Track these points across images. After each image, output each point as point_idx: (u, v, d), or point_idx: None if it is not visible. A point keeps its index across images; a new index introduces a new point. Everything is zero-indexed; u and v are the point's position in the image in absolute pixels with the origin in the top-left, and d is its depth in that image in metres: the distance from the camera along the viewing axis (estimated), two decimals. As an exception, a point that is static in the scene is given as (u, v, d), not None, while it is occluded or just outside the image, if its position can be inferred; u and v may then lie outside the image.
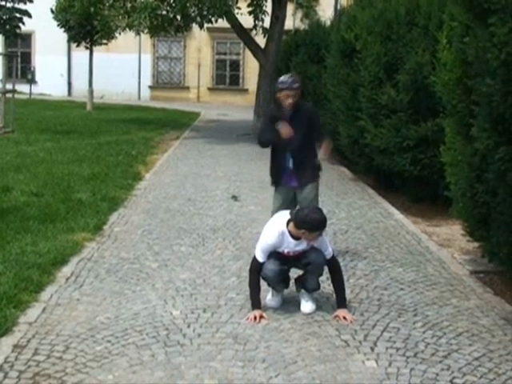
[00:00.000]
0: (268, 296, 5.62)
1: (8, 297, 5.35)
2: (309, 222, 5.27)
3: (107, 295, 5.70)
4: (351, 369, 4.45)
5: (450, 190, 6.99)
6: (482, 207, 6.13)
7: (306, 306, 5.52)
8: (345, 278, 6.29)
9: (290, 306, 5.55)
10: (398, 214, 9.36)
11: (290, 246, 5.40)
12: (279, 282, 5.57)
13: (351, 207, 9.78)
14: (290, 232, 5.36)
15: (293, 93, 6.37)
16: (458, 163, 6.55)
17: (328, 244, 5.54)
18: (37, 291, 5.65)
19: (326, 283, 6.16)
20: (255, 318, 5.23)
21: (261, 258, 5.41)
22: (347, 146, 12.51)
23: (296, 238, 5.37)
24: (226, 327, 5.09)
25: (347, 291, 5.90)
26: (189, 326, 5.08)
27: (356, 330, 5.09)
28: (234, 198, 9.99)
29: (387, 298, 5.85)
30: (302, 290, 5.62)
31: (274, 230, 5.41)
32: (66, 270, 6.30)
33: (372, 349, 4.77)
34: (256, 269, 5.45)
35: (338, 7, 19.29)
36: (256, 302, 5.39)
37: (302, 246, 5.43)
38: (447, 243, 7.92)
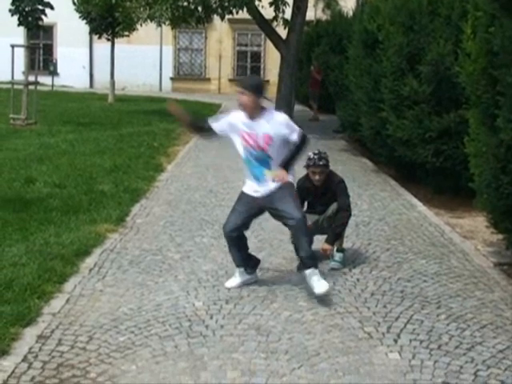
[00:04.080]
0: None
1: (32, 287, 5.39)
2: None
3: (130, 286, 5.72)
4: (374, 361, 4.43)
5: (473, 182, 6.94)
6: (506, 199, 6.08)
7: (319, 285, 5.48)
8: (367, 269, 6.33)
9: (311, 298, 5.53)
10: (420, 206, 9.30)
11: (246, 124, 5.59)
12: (236, 245, 5.81)
13: (373, 199, 9.74)
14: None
15: (319, 170, 6.35)
16: (482, 154, 6.49)
17: (290, 124, 5.62)
18: (60, 282, 5.68)
19: (348, 275, 6.16)
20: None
21: (212, 119, 5.86)
22: (369, 137, 12.46)
23: (250, 116, 5.57)
24: (249, 318, 5.09)
25: (370, 283, 5.90)
26: (211, 318, 5.09)
27: (379, 322, 5.07)
28: (256, 189, 9.96)
29: (410, 289, 5.82)
30: (308, 271, 5.58)
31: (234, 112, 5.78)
32: (90, 261, 6.33)
33: (395, 341, 4.75)
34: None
35: (360, -3, 19.18)
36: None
37: (260, 126, 5.54)
38: (471, 235, 7.86)
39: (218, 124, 5.81)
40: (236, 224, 5.74)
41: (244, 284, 5.80)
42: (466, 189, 7.77)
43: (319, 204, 6.55)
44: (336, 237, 6.39)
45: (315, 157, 6.36)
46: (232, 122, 5.72)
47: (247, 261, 5.91)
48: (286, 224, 5.74)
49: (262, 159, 5.62)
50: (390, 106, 10.49)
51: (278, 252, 6.85)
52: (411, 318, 5.16)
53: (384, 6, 11.17)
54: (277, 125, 5.54)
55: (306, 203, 6.62)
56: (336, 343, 4.68)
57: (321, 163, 6.34)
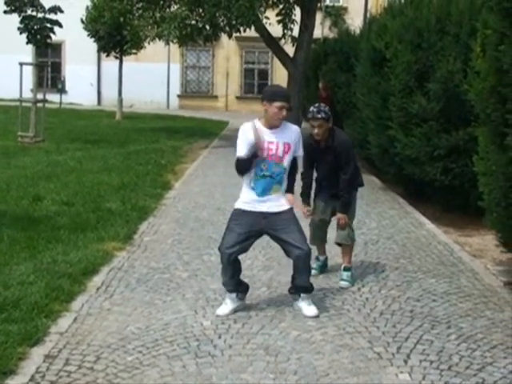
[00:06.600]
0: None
1: (39, 306, 5.37)
2: (267, 91, 5.67)
3: (138, 305, 5.69)
4: (384, 382, 4.39)
5: (482, 200, 6.90)
6: (516, 217, 6.04)
7: (309, 309, 5.56)
8: (376, 288, 6.28)
9: (320, 317, 5.50)
10: (429, 224, 9.26)
11: (266, 135, 5.46)
12: (231, 269, 5.58)
13: (381, 217, 9.70)
14: (261, 122, 5.55)
15: (317, 123, 6.27)
16: (491, 173, 6.46)
17: (300, 136, 5.64)
18: (68, 301, 5.66)
19: (357, 294, 6.12)
20: None
21: (243, 153, 5.46)
22: (377, 155, 12.42)
23: (269, 125, 5.50)
24: (257, 338, 5.05)
25: (379, 302, 5.87)
26: (220, 337, 5.06)
27: (389, 343, 5.02)
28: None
29: (420, 309, 5.77)
30: (302, 295, 5.67)
31: (246, 127, 5.54)
32: (97, 280, 6.31)
33: (405, 361, 4.70)
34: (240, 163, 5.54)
35: (368, 15, 19.23)
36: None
37: (278, 135, 5.48)
38: (480, 254, 7.81)
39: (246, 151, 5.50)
40: (236, 244, 5.52)
41: (235, 311, 5.60)
42: (474, 207, 7.73)
43: (324, 162, 6.48)
44: (346, 204, 6.42)
45: (314, 110, 6.30)
46: (255, 135, 5.47)
47: (239, 286, 5.73)
48: (288, 251, 5.60)
49: (277, 173, 5.51)
50: (398, 123, 10.46)
51: (287, 270, 6.77)
52: (421, 338, 5.11)
53: (392, 24, 11.17)
54: (294, 134, 5.57)
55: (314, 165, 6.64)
56: (345, 364, 4.64)
57: (319, 116, 6.24)
